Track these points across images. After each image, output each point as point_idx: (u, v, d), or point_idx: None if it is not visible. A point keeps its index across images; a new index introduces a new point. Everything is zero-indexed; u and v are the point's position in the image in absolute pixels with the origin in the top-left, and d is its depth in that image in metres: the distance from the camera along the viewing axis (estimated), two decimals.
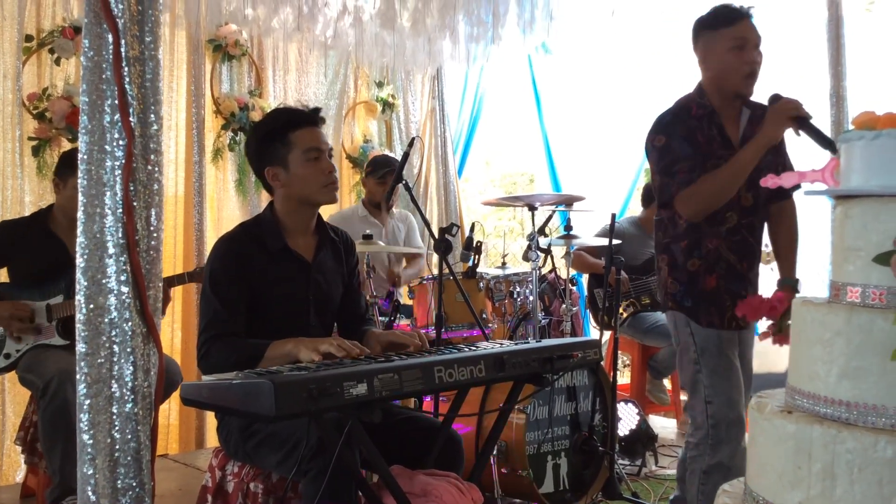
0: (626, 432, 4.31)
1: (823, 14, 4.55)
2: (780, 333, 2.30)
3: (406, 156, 3.45)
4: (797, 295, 2.52)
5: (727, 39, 2.68)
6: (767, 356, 6.02)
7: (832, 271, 1.51)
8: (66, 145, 4.14)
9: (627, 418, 4.35)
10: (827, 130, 4.56)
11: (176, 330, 4.65)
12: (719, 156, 2.69)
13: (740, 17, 2.70)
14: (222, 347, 2.35)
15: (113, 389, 1.44)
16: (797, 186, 2.80)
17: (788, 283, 2.78)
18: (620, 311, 4.97)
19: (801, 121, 2.49)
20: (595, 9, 4.82)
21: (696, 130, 2.71)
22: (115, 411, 1.45)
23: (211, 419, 4.59)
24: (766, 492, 1.48)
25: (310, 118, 2.56)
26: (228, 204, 4.97)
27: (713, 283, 2.76)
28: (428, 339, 2.62)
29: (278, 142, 2.51)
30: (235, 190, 4.98)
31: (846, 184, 1.45)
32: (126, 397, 1.45)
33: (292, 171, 2.51)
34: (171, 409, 4.57)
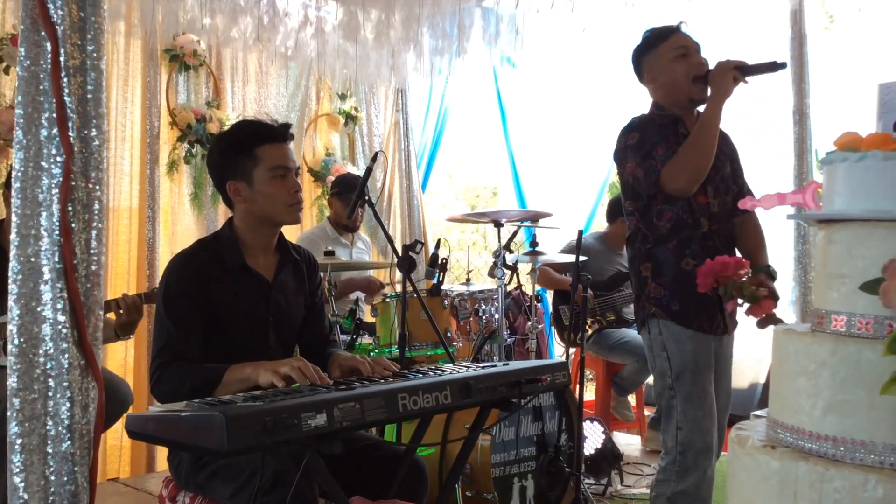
0: (592, 451, 4.26)
1: (787, 32, 4.58)
2: (731, 299, 2.28)
3: (369, 171, 3.36)
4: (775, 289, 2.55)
5: (668, 50, 2.76)
6: (734, 373, 6.03)
7: (814, 298, 1.44)
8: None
9: (593, 437, 4.30)
10: (790, 148, 4.60)
11: (129, 348, 4.49)
12: None
13: (672, 30, 2.80)
14: (176, 373, 2.22)
15: (48, 427, 1.32)
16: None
17: (761, 269, 2.74)
18: (586, 327, 4.92)
19: (742, 68, 2.61)
20: (561, 24, 4.78)
21: (666, 134, 2.74)
22: (49, 451, 1.32)
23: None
24: None
25: (279, 134, 2.43)
26: (183, 218, 4.83)
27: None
28: (391, 359, 2.52)
29: (244, 155, 2.39)
30: (191, 204, 4.84)
31: (829, 207, 1.39)
32: (62, 436, 1.32)
33: (256, 188, 2.39)
34: (122, 432, 4.40)
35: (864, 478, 1.25)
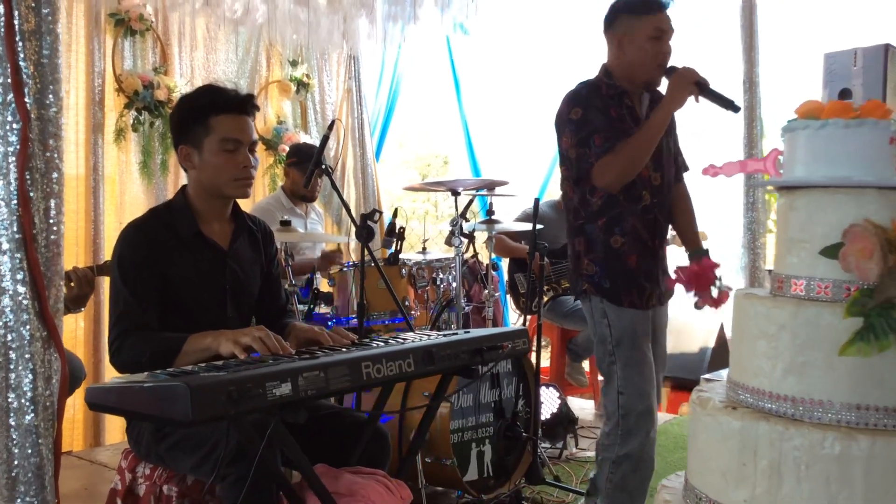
0: (548, 416, 4.33)
1: (737, 1, 4.63)
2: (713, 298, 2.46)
3: (325, 139, 3.32)
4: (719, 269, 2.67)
5: (648, 27, 2.70)
6: (681, 336, 6.16)
7: (775, 263, 1.48)
8: None
9: (549, 402, 4.36)
10: (740, 116, 4.67)
11: (80, 321, 4.40)
12: (631, 133, 2.70)
13: (661, 6, 2.74)
14: (136, 342, 2.19)
15: (10, 400, 1.29)
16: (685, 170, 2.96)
17: (699, 253, 2.86)
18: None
19: (702, 86, 2.60)
20: None
21: (609, 106, 2.73)
22: (13, 424, 1.30)
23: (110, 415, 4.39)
24: (709, 489, 1.45)
25: (237, 105, 2.36)
26: (132, 187, 4.72)
27: (633, 261, 2.78)
28: (350, 329, 2.51)
29: (198, 122, 2.33)
30: (140, 173, 4.73)
31: (790, 174, 1.42)
32: (25, 408, 1.30)
33: (205, 157, 2.34)
34: (75, 405, 4.33)
35: (822, 436, 1.29)
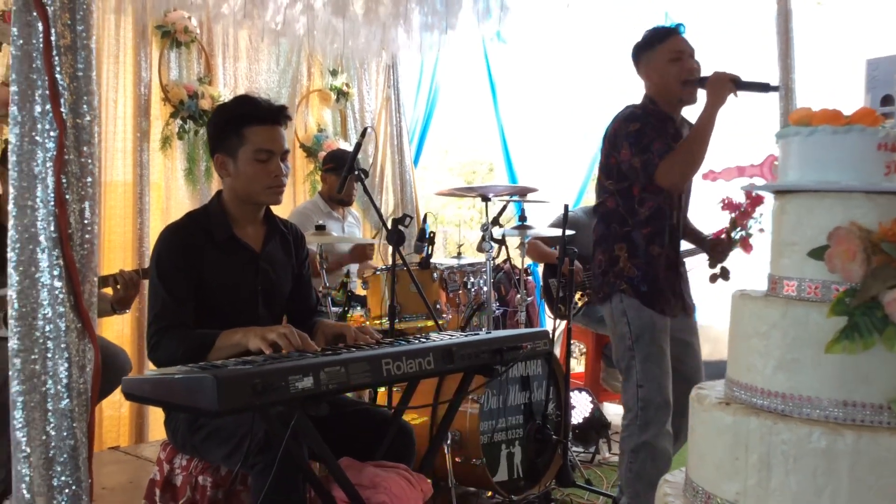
0: (580, 420, 4.36)
1: (773, 7, 4.62)
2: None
3: (358, 146, 3.42)
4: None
5: (664, 53, 2.97)
6: (717, 344, 6.13)
7: (770, 265, 1.53)
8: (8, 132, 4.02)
9: (581, 406, 4.40)
10: (776, 125, 4.66)
11: (126, 319, 4.58)
12: None
13: (671, 33, 3.01)
14: (172, 339, 2.31)
15: (47, 386, 1.41)
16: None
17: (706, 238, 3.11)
18: (575, 300, 5.00)
19: (737, 81, 2.81)
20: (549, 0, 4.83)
21: (661, 130, 2.94)
22: (49, 408, 1.41)
23: (153, 412, 4.55)
24: (705, 482, 1.50)
25: (269, 116, 2.46)
26: (177, 193, 4.90)
27: (663, 272, 2.99)
28: (381, 331, 2.59)
29: (232, 133, 2.44)
30: (185, 179, 4.90)
31: (783, 179, 1.47)
32: (61, 394, 1.41)
33: (239, 167, 2.45)
34: (121, 402, 4.50)
35: (810, 430, 1.34)
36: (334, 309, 3.91)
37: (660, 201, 2.94)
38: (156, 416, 4.54)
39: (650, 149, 2.84)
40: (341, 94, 5.78)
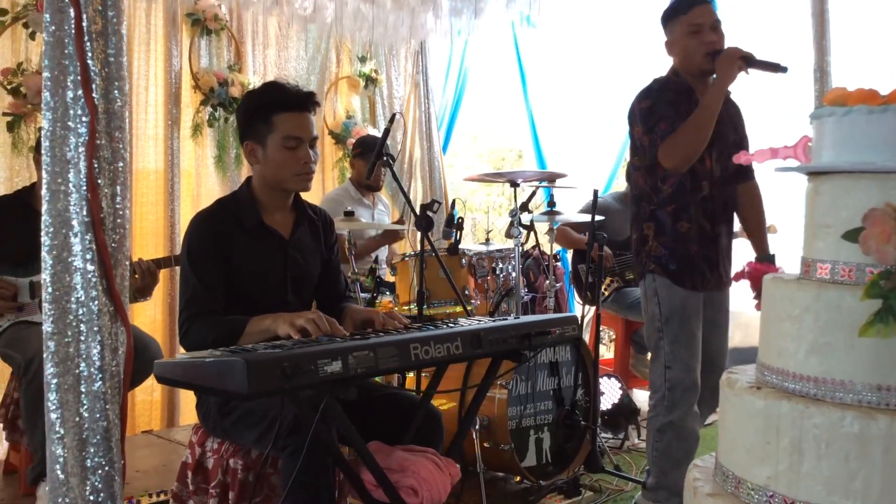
0: (609, 406, 4.34)
1: None
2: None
3: (387, 132, 3.42)
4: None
5: (684, 26, 2.93)
6: (749, 329, 6.07)
7: (803, 248, 1.51)
8: (42, 121, 4.08)
9: (610, 392, 4.38)
10: (810, 106, 4.58)
11: (158, 307, 4.64)
12: None
13: (695, 3, 2.94)
14: (202, 325, 2.34)
15: (81, 368, 1.43)
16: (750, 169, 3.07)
17: (766, 259, 3.02)
18: (604, 286, 4.97)
19: (748, 59, 2.77)
20: None
21: (679, 102, 2.90)
22: (83, 390, 1.43)
23: (185, 396, 4.61)
24: (735, 467, 1.49)
25: (298, 103, 2.47)
26: (208, 181, 4.93)
27: (695, 247, 2.97)
28: (409, 316, 2.60)
29: (261, 120, 2.45)
30: (215, 166, 4.94)
31: (817, 160, 1.44)
32: (94, 376, 1.43)
33: (268, 154, 2.46)
34: (154, 386, 4.56)
35: (842, 414, 1.32)
36: (363, 295, 3.92)
37: (682, 177, 2.91)
38: (187, 400, 4.60)
39: (654, 129, 2.84)
40: (370, 81, 5.78)
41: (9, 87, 4.03)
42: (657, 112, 2.86)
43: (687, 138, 2.79)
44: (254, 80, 5.04)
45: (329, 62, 5.62)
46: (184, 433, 4.47)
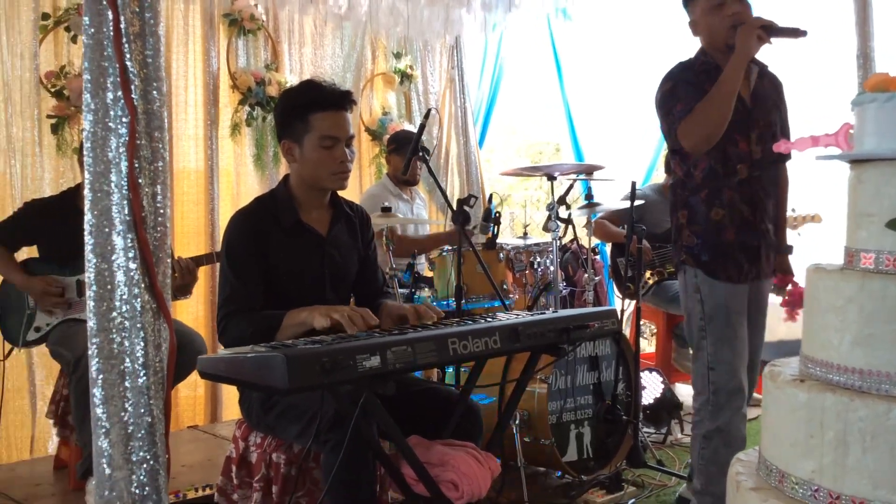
0: (651, 401, 4.31)
1: None
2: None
3: (422, 127, 3.43)
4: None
5: (705, 2, 2.80)
6: (793, 323, 5.94)
7: (846, 237, 1.48)
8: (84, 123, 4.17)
9: (652, 387, 4.34)
10: (851, 93, 4.49)
11: (200, 303, 4.71)
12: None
13: None
14: (240, 322, 2.36)
15: (125, 364, 1.46)
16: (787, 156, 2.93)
17: (782, 250, 2.98)
18: (644, 279, 4.93)
19: (769, 28, 2.63)
20: None
21: (703, 82, 2.76)
22: (127, 385, 1.46)
23: (227, 392, 4.67)
24: (778, 461, 1.47)
25: (336, 102, 2.48)
26: (247, 179, 4.99)
27: (731, 235, 2.82)
28: (447, 312, 2.60)
29: (298, 119, 2.47)
30: (254, 165, 4.99)
31: (859, 148, 1.41)
32: (138, 372, 1.46)
33: (305, 153, 2.49)
34: (197, 382, 4.63)
35: (888, 407, 1.30)
36: (401, 290, 3.94)
37: (712, 160, 2.78)
38: (229, 395, 4.67)
39: (672, 112, 2.73)
40: (405, 77, 5.79)
41: (52, 89, 4.12)
42: (676, 94, 2.75)
43: (705, 117, 2.65)
44: (290, 78, 5.09)
45: (364, 59, 5.64)
46: (227, 428, 4.54)
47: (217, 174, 4.80)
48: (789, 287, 2.82)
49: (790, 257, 3.08)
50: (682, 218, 2.90)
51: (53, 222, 3.49)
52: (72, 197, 3.58)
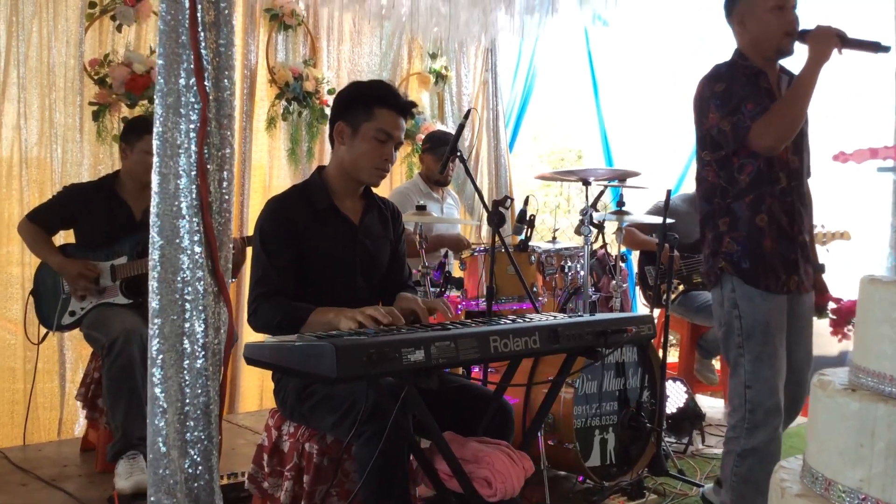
0: (674, 410, 4.30)
1: None
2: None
3: (461, 127, 3.45)
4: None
5: (767, 0, 2.70)
6: (818, 338, 5.92)
7: None
8: (126, 111, 4.23)
9: (675, 396, 4.34)
10: (891, 107, 4.45)
11: (233, 288, 4.75)
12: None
13: None
14: (270, 306, 2.40)
15: (184, 346, 1.49)
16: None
17: (818, 269, 2.93)
18: (672, 289, 4.92)
19: (843, 37, 2.56)
20: None
21: (753, 86, 2.72)
22: (185, 367, 1.49)
23: (245, 381, 4.70)
24: (825, 469, 1.47)
25: (402, 106, 2.58)
26: (279, 173, 5.03)
27: (770, 244, 2.76)
28: (478, 312, 2.61)
29: (362, 106, 2.54)
30: (287, 159, 5.03)
31: None
32: (197, 353, 1.49)
33: (357, 139, 2.54)
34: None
35: None
36: (433, 290, 3.96)
37: (760, 164, 2.72)
38: (247, 385, 4.71)
39: (740, 109, 2.64)
40: (440, 78, 5.82)
41: (95, 77, 4.17)
42: (737, 93, 2.66)
43: (783, 116, 2.59)
44: (328, 75, 5.13)
45: (401, 58, 5.68)
46: (246, 418, 4.59)
47: (249, 167, 4.84)
48: (832, 305, 2.79)
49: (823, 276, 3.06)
50: (722, 226, 2.83)
51: (91, 207, 3.54)
52: (110, 183, 3.63)
